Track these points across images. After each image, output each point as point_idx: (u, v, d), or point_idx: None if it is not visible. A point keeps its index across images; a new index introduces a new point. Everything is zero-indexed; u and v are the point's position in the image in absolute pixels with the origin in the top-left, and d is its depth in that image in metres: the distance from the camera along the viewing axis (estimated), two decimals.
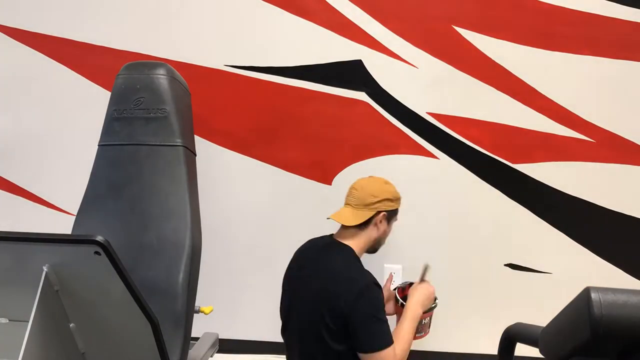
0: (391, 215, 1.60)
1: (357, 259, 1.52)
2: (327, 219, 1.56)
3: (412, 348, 2.24)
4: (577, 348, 0.73)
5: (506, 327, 1.25)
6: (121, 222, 1.57)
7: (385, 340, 1.36)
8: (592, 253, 2.09)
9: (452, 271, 2.15)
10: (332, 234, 1.61)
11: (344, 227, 1.56)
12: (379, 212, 1.54)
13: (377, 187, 1.55)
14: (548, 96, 2.02)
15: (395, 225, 2.13)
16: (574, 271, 2.09)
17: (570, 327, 0.76)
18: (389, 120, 2.07)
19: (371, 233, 1.56)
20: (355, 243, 1.54)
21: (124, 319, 1.14)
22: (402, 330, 1.48)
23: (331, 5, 2.02)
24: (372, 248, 1.63)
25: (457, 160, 2.08)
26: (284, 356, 2.16)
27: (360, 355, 1.38)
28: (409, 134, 2.07)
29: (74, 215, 1.68)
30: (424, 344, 2.21)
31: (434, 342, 2.21)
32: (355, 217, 1.52)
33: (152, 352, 1.16)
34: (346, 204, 1.58)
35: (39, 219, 2.23)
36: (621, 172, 2.04)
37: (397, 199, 1.62)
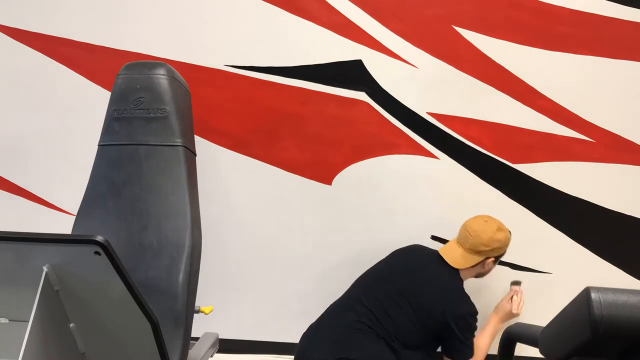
0: (498, 257, 1.78)
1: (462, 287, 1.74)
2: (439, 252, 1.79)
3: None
4: (577, 348, 0.73)
5: (506, 327, 1.25)
6: (121, 222, 1.57)
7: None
8: (592, 253, 2.09)
9: None
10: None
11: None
12: (488, 257, 1.72)
13: (489, 237, 1.69)
14: (548, 96, 2.02)
15: (395, 225, 2.14)
16: (574, 271, 2.09)
17: (570, 327, 0.76)
18: (389, 120, 2.07)
19: (477, 270, 1.76)
20: (463, 273, 1.75)
21: (124, 319, 1.13)
22: (481, 340, 1.72)
23: (331, 5, 2.02)
24: (473, 277, 1.84)
25: (457, 160, 2.08)
26: (284, 356, 2.16)
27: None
28: (409, 134, 2.07)
29: (74, 215, 1.68)
30: None
31: None
32: (464, 261, 1.71)
33: (152, 352, 1.16)
34: (458, 242, 1.75)
35: (39, 219, 2.23)
36: (621, 172, 2.04)
37: (507, 245, 1.76)
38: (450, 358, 1.65)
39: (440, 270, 1.72)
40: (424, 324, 1.62)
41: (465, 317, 1.62)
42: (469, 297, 1.68)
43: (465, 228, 1.75)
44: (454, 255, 1.72)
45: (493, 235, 1.69)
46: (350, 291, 1.78)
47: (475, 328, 1.66)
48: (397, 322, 1.62)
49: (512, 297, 1.86)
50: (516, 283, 1.93)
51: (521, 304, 1.84)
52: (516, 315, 1.83)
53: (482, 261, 1.72)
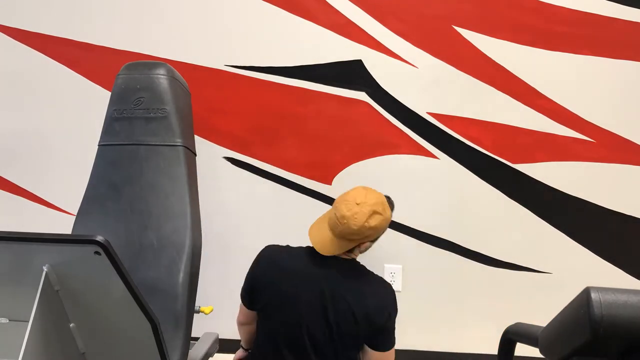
0: (376, 239, 1.49)
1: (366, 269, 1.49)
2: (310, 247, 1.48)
3: (413, 348, 2.25)
4: (577, 348, 0.73)
5: (506, 327, 1.25)
6: (121, 222, 1.57)
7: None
8: (592, 253, 2.09)
9: (452, 271, 2.15)
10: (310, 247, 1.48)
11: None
12: (362, 243, 1.43)
13: (359, 225, 1.37)
14: (548, 96, 2.02)
15: (395, 225, 2.14)
16: (574, 271, 2.10)
17: (570, 327, 0.76)
18: (389, 120, 2.07)
19: (354, 252, 1.46)
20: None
21: (124, 319, 1.13)
22: None
23: (331, 5, 2.02)
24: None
25: (457, 160, 2.08)
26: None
27: (374, 353, 1.42)
28: (409, 134, 2.07)
29: (74, 215, 1.68)
30: (426, 344, 2.22)
31: (435, 342, 2.21)
32: (333, 247, 1.42)
33: (152, 352, 1.16)
34: (329, 226, 1.43)
35: (39, 219, 2.23)
36: (621, 172, 2.04)
37: (385, 227, 1.46)
38: (386, 351, 1.42)
39: (357, 283, 1.42)
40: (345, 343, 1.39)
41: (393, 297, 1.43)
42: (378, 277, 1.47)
43: (335, 210, 1.42)
44: (323, 239, 1.43)
45: (364, 224, 1.36)
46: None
47: None
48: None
49: None
50: None
51: None
52: None
53: (355, 246, 1.43)
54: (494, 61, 2.01)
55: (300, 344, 1.39)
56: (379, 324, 1.38)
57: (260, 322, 1.49)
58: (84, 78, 2.15)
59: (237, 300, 1.55)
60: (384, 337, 1.43)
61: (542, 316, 1.05)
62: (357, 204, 1.39)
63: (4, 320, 1.06)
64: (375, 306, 1.38)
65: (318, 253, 1.43)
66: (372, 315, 1.37)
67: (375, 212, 1.39)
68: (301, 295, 1.39)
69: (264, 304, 1.45)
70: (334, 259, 1.44)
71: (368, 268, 1.50)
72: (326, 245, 1.42)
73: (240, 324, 1.59)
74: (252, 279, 1.49)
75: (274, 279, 1.44)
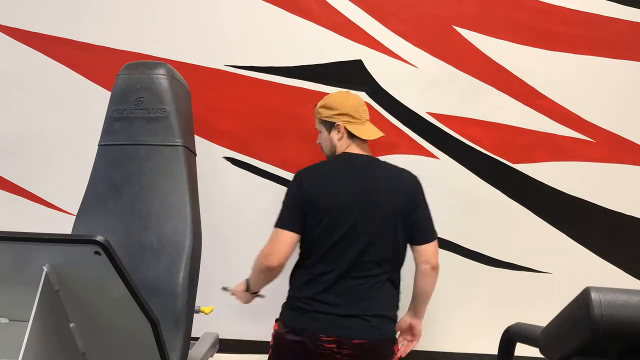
0: None
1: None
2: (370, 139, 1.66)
3: (413, 348, 2.24)
4: (577, 348, 0.73)
5: (506, 327, 1.25)
6: (121, 222, 1.57)
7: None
8: (592, 253, 2.09)
9: (452, 271, 2.15)
10: (346, 152, 1.63)
11: (360, 142, 1.64)
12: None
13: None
14: (548, 96, 2.02)
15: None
16: (574, 271, 2.09)
17: (570, 327, 0.76)
18: (389, 120, 2.07)
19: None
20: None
21: (124, 319, 1.13)
22: None
23: (331, 5, 2.02)
24: None
25: (457, 160, 2.08)
26: None
27: (424, 246, 1.57)
28: (409, 134, 2.07)
29: (74, 215, 1.68)
30: (425, 344, 2.21)
31: (435, 342, 2.21)
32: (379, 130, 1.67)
33: (152, 352, 1.16)
34: (362, 121, 1.64)
35: (39, 219, 2.23)
36: (621, 172, 2.04)
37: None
38: (431, 239, 1.58)
39: (388, 170, 1.63)
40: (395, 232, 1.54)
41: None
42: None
43: (360, 105, 1.66)
44: (374, 130, 1.67)
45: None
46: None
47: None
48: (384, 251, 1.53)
49: None
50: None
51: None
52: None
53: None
54: (494, 61, 2.01)
55: (361, 246, 1.49)
56: (421, 195, 1.63)
57: (314, 243, 1.52)
58: (84, 78, 2.15)
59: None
60: (427, 212, 1.62)
61: (542, 316, 1.05)
62: (347, 91, 1.72)
63: (4, 320, 1.06)
64: (413, 179, 1.64)
65: (347, 159, 1.60)
66: (415, 188, 1.62)
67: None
68: (356, 201, 1.51)
69: (323, 219, 1.50)
70: (364, 158, 1.62)
71: None
72: (373, 130, 1.66)
73: (271, 266, 1.54)
74: (303, 195, 1.55)
75: (328, 190, 1.54)
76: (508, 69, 2.01)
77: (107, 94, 1.74)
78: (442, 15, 2.00)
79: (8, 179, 2.24)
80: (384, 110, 2.07)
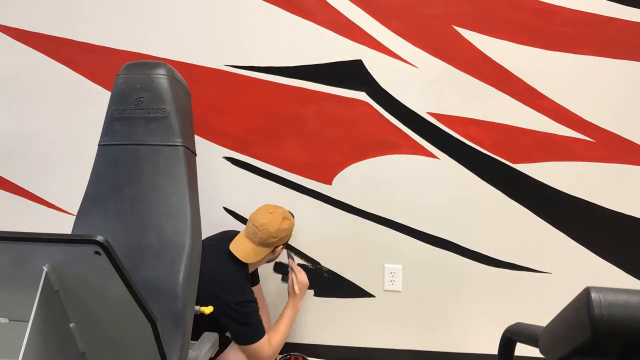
0: (286, 242, 1.88)
1: (246, 279, 1.78)
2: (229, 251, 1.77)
3: (413, 348, 2.25)
4: (577, 348, 0.73)
5: (506, 327, 1.25)
6: (121, 222, 1.57)
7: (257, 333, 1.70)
8: (592, 253, 2.09)
9: (452, 271, 2.15)
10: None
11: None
12: (277, 246, 1.81)
13: (277, 228, 1.75)
14: (548, 96, 2.02)
15: (395, 225, 2.14)
16: (574, 271, 2.10)
17: (570, 327, 0.76)
18: (389, 120, 2.07)
19: (268, 257, 1.84)
20: (254, 264, 1.83)
21: (124, 319, 1.13)
22: (279, 324, 1.83)
23: (331, 5, 2.02)
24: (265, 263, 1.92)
25: (457, 160, 2.08)
26: (284, 355, 2.17)
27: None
28: (409, 134, 2.08)
29: (74, 215, 1.68)
30: (425, 344, 2.22)
31: (435, 342, 2.21)
32: (256, 254, 1.76)
33: (152, 352, 1.16)
34: (247, 237, 1.78)
35: (39, 219, 2.23)
36: (621, 172, 2.04)
37: (292, 230, 1.85)
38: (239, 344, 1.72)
39: (225, 265, 1.75)
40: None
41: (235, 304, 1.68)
42: (242, 286, 1.74)
43: (252, 222, 1.77)
44: (245, 250, 1.76)
45: (280, 226, 1.76)
46: None
47: (252, 311, 1.70)
48: None
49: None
50: (289, 256, 1.99)
51: (296, 282, 1.87)
52: (299, 294, 1.88)
53: (272, 250, 1.81)
54: (494, 61, 2.01)
55: None
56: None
57: None
58: (84, 78, 2.15)
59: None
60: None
61: (542, 316, 1.05)
62: (270, 213, 1.78)
63: (4, 320, 1.06)
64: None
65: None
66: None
67: (285, 218, 1.80)
68: None
69: None
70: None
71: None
72: (250, 254, 1.75)
73: None
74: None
75: None
76: (508, 69, 2.01)
77: (107, 94, 1.74)
78: (442, 15, 2.00)
79: (8, 179, 2.24)
80: (384, 110, 2.07)
